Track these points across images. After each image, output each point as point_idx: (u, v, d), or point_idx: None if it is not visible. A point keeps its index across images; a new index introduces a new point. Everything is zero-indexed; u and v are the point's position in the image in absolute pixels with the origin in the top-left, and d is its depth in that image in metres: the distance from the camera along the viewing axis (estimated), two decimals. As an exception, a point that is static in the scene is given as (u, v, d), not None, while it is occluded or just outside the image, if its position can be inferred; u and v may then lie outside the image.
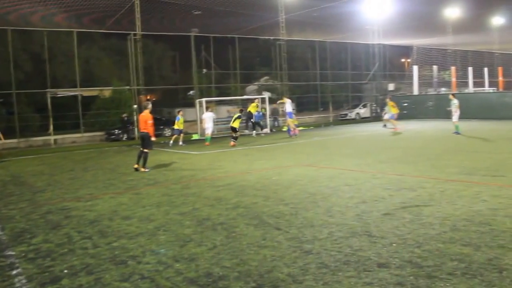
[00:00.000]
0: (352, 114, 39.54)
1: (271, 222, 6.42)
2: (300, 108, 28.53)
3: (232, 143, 19.15)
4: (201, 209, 7.47)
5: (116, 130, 27.52)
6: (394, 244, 5.17)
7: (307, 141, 19.97)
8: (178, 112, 22.19)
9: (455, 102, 19.79)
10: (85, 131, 28.44)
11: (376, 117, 37.94)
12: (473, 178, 9.01)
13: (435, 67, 43.15)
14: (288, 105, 22.43)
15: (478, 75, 44.38)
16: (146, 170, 12.62)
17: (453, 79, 41.47)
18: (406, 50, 47.88)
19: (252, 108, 24.99)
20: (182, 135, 21.87)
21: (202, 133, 23.25)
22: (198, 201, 8.14)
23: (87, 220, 7.22)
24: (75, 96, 28.57)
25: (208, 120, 21.79)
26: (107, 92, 30.56)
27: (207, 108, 25.00)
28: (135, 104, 28.50)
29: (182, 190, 9.42)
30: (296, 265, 4.67)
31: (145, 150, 12.78)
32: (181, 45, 39.05)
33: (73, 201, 8.96)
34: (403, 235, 5.49)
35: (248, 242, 5.53)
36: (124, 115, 28.28)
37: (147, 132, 12.68)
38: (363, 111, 40.38)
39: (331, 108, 39.95)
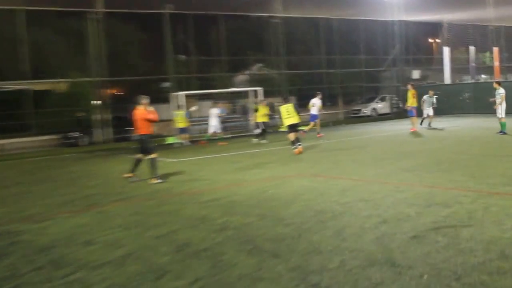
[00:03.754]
0: (367, 110, 39.70)
1: (268, 247, 6.38)
2: (301, 103, 28.47)
3: (298, 149, 17.20)
4: (181, 232, 7.45)
5: (75, 133, 27.39)
6: (425, 276, 5.11)
7: (312, 145, 19.99)
8: None
9: (500, 92, 19.37)
10: (37, 134, 28.28)
11: (397, 113, 38.08)
12: (523, 190, 9.02)
13: (472, 49, 42.62)
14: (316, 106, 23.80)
15: None
16: (158, 181, 12.56)
17: (496, 63, 41.31)
18: (434, 28, 47.40)
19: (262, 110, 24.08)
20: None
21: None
22: (177, 221, 8.13)
23: (38, 247, 7.16)
24: (23, 91, 28.38)
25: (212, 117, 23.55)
26: (63, 85, 30.40)
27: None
28: (97, 100, 28.38)
29: (157, 208, 9.43)
30: (302, 304, 4.62)
31: (151, 156, 12.76)
32: (153, 25, 38.94)
33: (20, 223, 8.88)
34: (436, 264, 5.44)
35: (239, 274, 5.48)
36: (81, 114, 28.20)
37: (145, 134, 12.68)
38: (381, 106, 40.53)
39: (340, 102, 40.11)
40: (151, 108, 12.88)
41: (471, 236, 6.35)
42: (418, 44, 49.54)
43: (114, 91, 39.60)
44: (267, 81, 39.39)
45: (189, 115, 25.25)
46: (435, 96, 25.98)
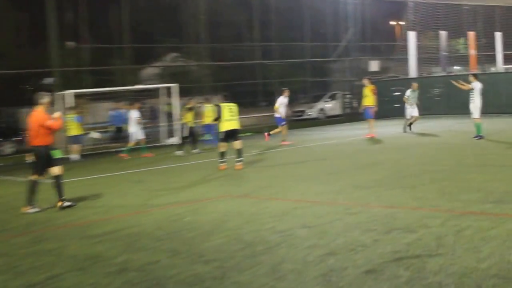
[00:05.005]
0: (313, 111, 40.36)
1: (182, 293, 6.30)
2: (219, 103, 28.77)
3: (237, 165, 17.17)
4: (65, 277, 7.26)
5: None
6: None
7: (248, 156, 19.97)
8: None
9: (476, 86, 20.27)
10: None
11: (351, 115, 38.85)
12: (505, 208, 9.27)
13: (443, 34, 44.03)
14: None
15: (510, 44, 45.52)
16: (67, 204, 12.31)
17: (472, 52, 42.82)
18: (397, 8, 48.50)
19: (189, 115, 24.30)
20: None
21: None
22: (60, 263, 7.93)
23: None
24: None
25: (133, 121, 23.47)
26: None
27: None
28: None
29: (32, 246, 9.19)
30: None
31: (53, 173, 12.35)
32: (31, 2, 38.10)
33: None
34: (395, 306, 5.50)
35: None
36: None
37: (43, 145, 12.25)
38: (331, 106, 41.30)
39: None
40: (58, 113, 12.52)
41: (440, 268, 6.47)
42: (377, 28, 50.77)
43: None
44: (184, 76, 39.26)
45: (82, 120, 24.85)
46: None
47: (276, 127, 24.69)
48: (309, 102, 41.75)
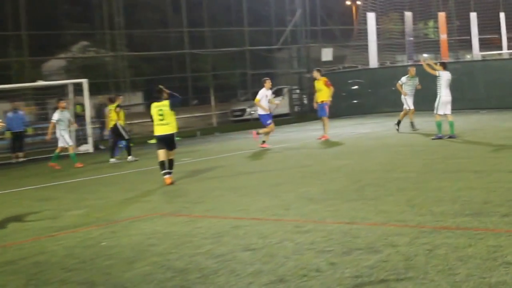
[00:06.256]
0: (254, 110, 40.24)
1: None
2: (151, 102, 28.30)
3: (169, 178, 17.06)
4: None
5: None
6: None
7: (180, 165, 19.89)
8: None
9: (444, 77, 20.70)
10: None
11: (301, 113, 39.02)
12: (485, 221, 9.35)
13: (408, 15, 44.21)
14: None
15: (488, 27, 46.41)
16: None
17: (443, 36, 43.20)
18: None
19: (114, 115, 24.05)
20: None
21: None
22: None
23: None
24: None
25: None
26: None
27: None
28: None
29: None
30: None
31: None
32: None
33: None
34: None
35: None
36: None
37: None
38: (276, 103, 41.33)
39: (213, 99, 40.40)
40: None
41: (410, 295, 6.55)
42: (330, 8, 51.19)
43: None
44: (96, 69, 38.88)
45: None
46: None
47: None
48: (250, 99, 41.65)
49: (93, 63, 40.64)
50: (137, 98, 41.80)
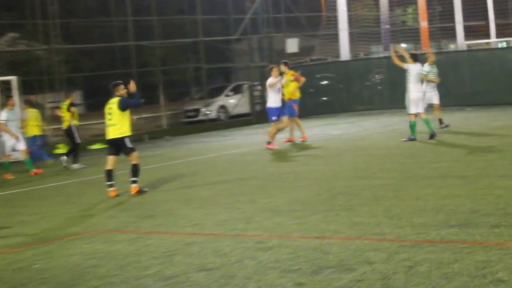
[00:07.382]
0: (211, 110, 40.37)
1: None
2: (93, 102, 27.99)
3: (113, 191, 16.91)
4: None
5: None
6: None
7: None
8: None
9: (413, 70, 20.88)
10: None
11: (263, 114, 38.97)
12: (473, 233, 9.43)
13: (384, 0, 44.45)
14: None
15: (474, 13, 46.67)
16: None
17: (423, 24, 43.42)
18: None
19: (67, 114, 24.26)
20: None
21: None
22: None
23: None
24: None
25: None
26: None
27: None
28: None
29: None
30: None
31: None
32: None
33: None
34: None
35: None
36: None
37: None
38: (235, 102, 41.41)
39: (163, 98, 40.32)
40: None
41: (387, 318, 6.62)
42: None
43: None
44: (27, 64, 38.61)
45: None
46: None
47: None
48: (205, 98, 41.66)
49: (23, 57, 40.34)
50: (75, 97, 41.57)
